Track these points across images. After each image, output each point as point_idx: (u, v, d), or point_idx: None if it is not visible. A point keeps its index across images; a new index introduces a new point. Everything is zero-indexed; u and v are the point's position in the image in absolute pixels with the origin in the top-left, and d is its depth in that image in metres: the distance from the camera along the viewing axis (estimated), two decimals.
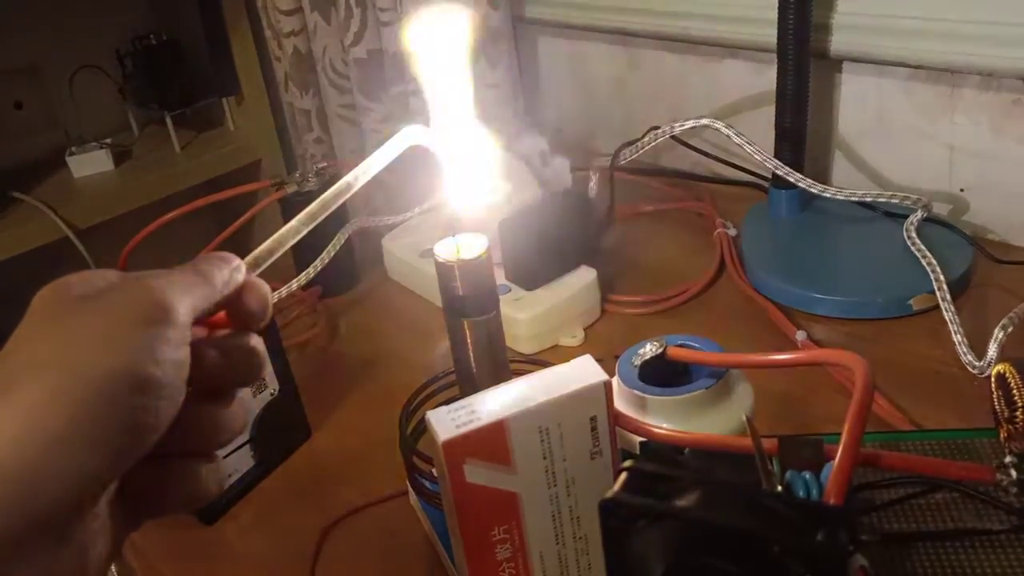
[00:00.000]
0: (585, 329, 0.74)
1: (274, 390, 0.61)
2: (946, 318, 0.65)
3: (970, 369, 0.61)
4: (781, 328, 0.69)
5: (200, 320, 0.34)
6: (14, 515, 0.27)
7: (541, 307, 0.71)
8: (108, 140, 1.38)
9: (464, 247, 0.44)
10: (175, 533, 0.59)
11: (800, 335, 0.67)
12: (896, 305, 0.69)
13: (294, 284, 0.76)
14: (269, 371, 0.61)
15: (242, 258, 0.37)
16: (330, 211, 0.40)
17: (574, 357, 0.42)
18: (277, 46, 1.24)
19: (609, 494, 0.30)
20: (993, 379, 0.38)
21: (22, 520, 0.27)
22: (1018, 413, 0.35)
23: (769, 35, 0.79)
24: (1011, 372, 0.36)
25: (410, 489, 0.56)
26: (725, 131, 0.78)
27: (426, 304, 0.81)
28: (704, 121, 0.80)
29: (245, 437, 0.60)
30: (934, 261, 0.69)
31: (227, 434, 0.35)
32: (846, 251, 0.79)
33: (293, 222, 0.39)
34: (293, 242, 0.39)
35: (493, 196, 0.43)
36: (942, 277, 0.67)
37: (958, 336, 0.63)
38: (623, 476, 0.31)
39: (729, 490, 0.30)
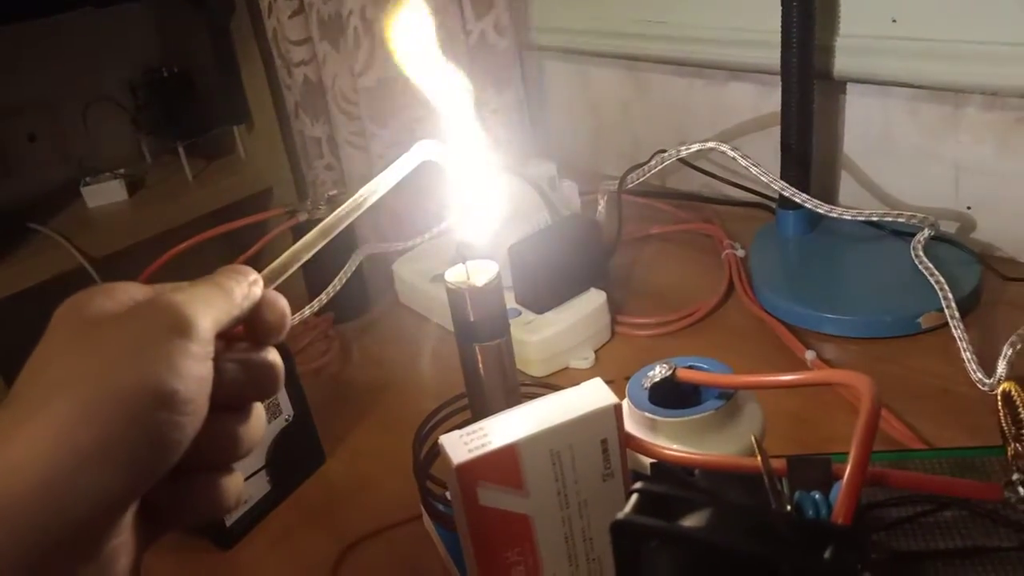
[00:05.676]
0: (596, 351, 0.74)
1: (288, 416, 0.62)
2: (955, 335, 0.65)
3: (980, 387, 0.61)
4: (791, 348, 0.70)
5: (221, 334, 0.34)
6: (42, 534, 0.27)
7: (551, 330, 0.72)
8: (122, 170, 1.39)
9: (474, 273, 0.45)
10: (191, 559, 0.59)
11: (809, 354, 0.68)
12: (905, 323, 0.70)
13: (307, 311, 0.77)
14: (284, 397, 0.62)
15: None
16: (344, 225, 0.40)
17: (585, 380, 0.43)
18: (287, 75, 1.25)
19: (620, 516, 0.31)
20: (999, 397, 0.38)
21: (50, 539, 0.27)
22: None
23: (773, 58, 0.80)
24: (1016, 391, 0.36)
25: (424, 513, 0.56)
26: (731, 154, 0.78)
27: (437, 328, 0.82)
28: (710, 144, 0.80)
29: (261, 463, 0.61)
30: (942, 279, 0.69)
31: (245, 447, 0.35)
32: (854, 270, 0.80)
33: (307, 236, 0.39)
34: (308, 256, 0.39)
35: (501, 218, 0.44)
36: (950, 295, 0.68)
37: (967, 354, 0.63)
38: (634, 498, 0.31)
39: (738, 511, 0.30)
